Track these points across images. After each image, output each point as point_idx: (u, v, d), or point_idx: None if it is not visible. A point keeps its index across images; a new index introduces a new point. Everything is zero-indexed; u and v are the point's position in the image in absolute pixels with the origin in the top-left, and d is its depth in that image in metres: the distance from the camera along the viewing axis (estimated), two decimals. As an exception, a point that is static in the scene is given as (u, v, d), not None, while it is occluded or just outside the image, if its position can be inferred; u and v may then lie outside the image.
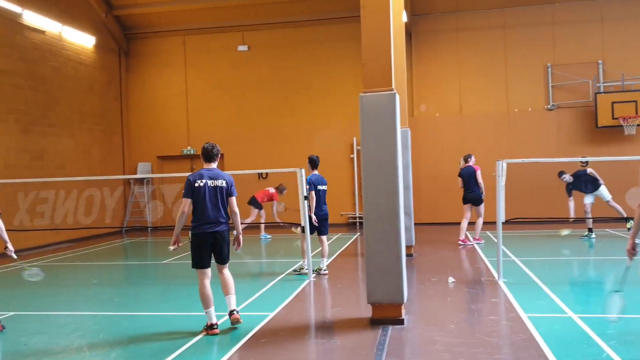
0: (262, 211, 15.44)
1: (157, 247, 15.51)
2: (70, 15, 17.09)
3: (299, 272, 9.83)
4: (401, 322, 6.35)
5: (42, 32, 15.85)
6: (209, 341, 6.04)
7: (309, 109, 18.89)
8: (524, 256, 10.83)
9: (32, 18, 15.33)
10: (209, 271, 6.48)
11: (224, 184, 6.54)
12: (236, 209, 6.62)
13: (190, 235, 6.47)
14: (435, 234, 15.35)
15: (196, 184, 6.40)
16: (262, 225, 15.56)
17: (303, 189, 9.43)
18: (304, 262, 9.77)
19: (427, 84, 18.41)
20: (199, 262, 6.44)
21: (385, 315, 6.39)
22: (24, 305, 8.20)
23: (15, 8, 14.70)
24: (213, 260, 6.58)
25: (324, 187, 9.92)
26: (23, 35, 15.11)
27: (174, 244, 6.55)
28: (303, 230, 9.41)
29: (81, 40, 17.62)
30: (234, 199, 6.60)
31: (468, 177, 13.07)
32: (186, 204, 6.38)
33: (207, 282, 6.43)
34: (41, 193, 15.12)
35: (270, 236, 15.62)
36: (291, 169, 10.20)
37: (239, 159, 18.66)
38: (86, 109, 17.81)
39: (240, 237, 6.65)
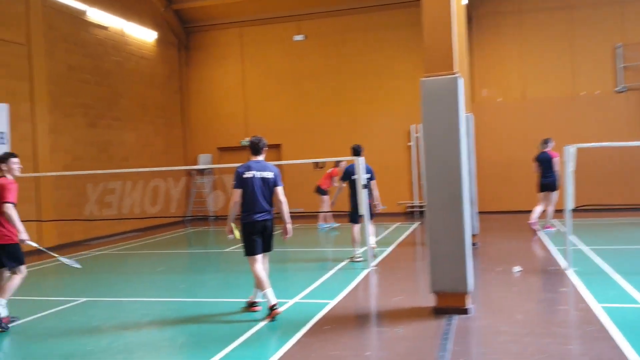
0: (326, 197, 15.14)
1: (219, 236, 15.80)
2: (132, 11, 17.54)
3: (352, 260, 9.90)
4: (466, 311, 6.22)
5: (106, 28, 16.34)
6: (272, 327, 6.10)
7: (365, 97, 18.74)
8: (594, 245, 10.42)
9: (96, 15, 15.82)
10: (260, 257, 6.66)
11: (271, 175, 6.72)
12: (283, 198, 6.80)
13: (241, 224, 6.65)
14: (499, 223, 14.99)
15: (245, 176, 6.60)
16: (323, 214, 15.38)
17: (362, 177, 9.39)
18: (356, 250, 9.91)
19: (489, 68, 17.94)
20: (252, 250, 6.63)
21: (450, 304, 6.28)
22: (95, 292, 8.50)
23: (80, 6, 15.20)
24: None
25: (368, 176, 9.76)
26: (88, 32, 15.62)
27: (230, 232, 6.78)
28: (355, 221, 9.69)
29: (142, 35, 18.07)
30: (280, 189, 6.80)
31: (544, 163, 12.60)
32: (237, 195, 6.60)
33: (260, 267, 6.61)
34: (109, 184, 15.66)
35: (336, 224, 15.36)
36: (348, 158, 10.16)
37: (295, 148, 18.74)
38: (148, 102, 18.29)
39: (289, 226, 6.80)
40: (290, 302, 7.17)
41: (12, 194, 6.53)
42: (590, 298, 6.67)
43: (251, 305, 6.86)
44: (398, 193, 18.34)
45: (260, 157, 6.85)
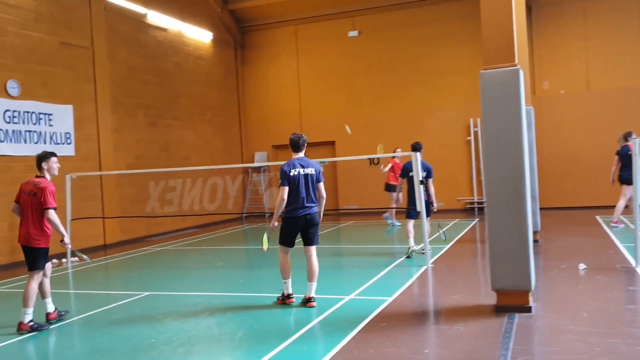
0: (394, 194, 13.59)
1: (275, 233, 15.94)
2: (189, 12, 17.91)
3: (408, 256, 9.90)
4: (528, 309, 6.05)
5: (164, 30, 16.75)
6: (330, 323, 6.11)
7: (421, 92, 18.51)
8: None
9: (155, 17, 16.24)
10: (291, 249, 7.10)
11: (313, 172, 6.98)
12: (324, 194, 7.12)
13: (283, 218, 7.00)
14: (561, 219, 14.53)
15: (291, 173, 6.85)
16: (393, 211, 14.81)
17: (419, 174, 9.30)
18: (411, 245, 9.98)
19: (550, 60, 17.38)
20: (288, 241, 7.04)
21: (511, 302, 6.12)
22: (157, 286, 8.74)
23: (140, 9, 15.64)
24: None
25: (424, 173, 9.75)
26: (148, 34, 16.05)
27: (273, 228, 7.16)
28: (411, 216, 9.70)
29: (199, 36, 18.42)
30: (321, 185, 7.08)
31: (623, 157, 12.14)
32: (284, 192, 6.81)
33: (288, 257, 7.08)
34: (169, 182, 16.08)
35: (397, 223, 14.85)
36: (406, 153, 10.07)
37: (350, 145, 18.69)
38: (206, 102, 18.65)
39: (320, 219, 7.12)
40: (347, 298, 7.17)
41: (53, 198, 6.53)
42: (662, 297, 6.39)
43: (286, 298, 7.09)
44: (457, 189, 18.04)
45: (302, 154, 7.09)
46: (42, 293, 6.78)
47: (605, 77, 16.86)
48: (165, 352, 5.45)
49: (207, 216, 17.18)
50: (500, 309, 6.15)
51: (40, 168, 6.73)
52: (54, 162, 6.77)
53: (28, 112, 12.09)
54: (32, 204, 6.54)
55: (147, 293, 8.19)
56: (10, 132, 11.67)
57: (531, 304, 6.13)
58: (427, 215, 9.68)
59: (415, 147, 9.70)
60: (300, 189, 6.82)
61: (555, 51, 17.34)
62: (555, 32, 17.34)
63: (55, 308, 6.88)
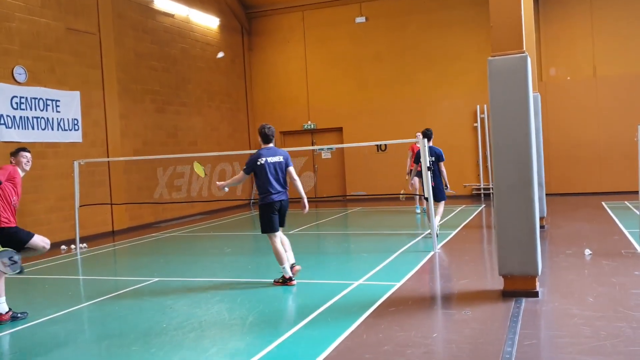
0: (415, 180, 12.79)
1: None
2: (196, -2, 17.90)
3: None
4: (535, 294, 6.12)
5: (171, 15, 16.73)
6: (340, 308, 6.19)
7: (429, 79, 18.48)
8: (670, 228, 9.98)
9: (162, 3, 16.22)
10: (279, 233, 7.48)
11: (282, 159, 7.47)
12: (296, 176, 7.60)
13: (259, 206, 7.47)
14: (567, 205, 14.56)
15: (258, 163, 7.34)
16: (417, 198, 13.99)
17: (426, 160, 9.34)
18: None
19: (557, 46, 17.31)
20: (271, 227, 7.43)
21: (518, 287, 6.18)
22: (167, 272, 8.84)
23: (147, -5, 15.65)
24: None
25: (432, 159, 10.09)
26: (155, 19, 16.05)
27: (222, 187, 7.68)
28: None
29: (206, 21, 18.40)
30: (291, 169, 7.57)
31: None
32: (243, 176, 7.59)
33: (279, 242, 7.45)
34: (177, 168, 16.16)
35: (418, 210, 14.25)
36: (413, 140, 10.11)
37: (358, 131, 18.72)
38: (213, 88, 18.67)
39: (305, 200, 7.60)
40: (355, 283, 7.25)
41: (2, 176, 6.29)
42: (668, 283, 6.44)
43: (287, 280, 7.39)
44: (464, 175, 18.07)
45: (271, 145, 7.56)
46: None
47: (612, 64, 16.79)
48: (176, 337, 5.54)
49: (215, 202, 17.28)
50: (507, 294, 6.22)
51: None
52: (22, 157, 6.62)
53: (35, 98, 12.16)
54: None
55: (156, 279, 8.29)
56: (17, 119, 11.74)
57: (538, 288, 6.19)
58: (438, 199, 10.10)
59: (426, 134, 9.88)
60: (270, 177, 7.33)
61: (562, 37, 17.26)
62: (562, 18, 17.25)
63: (10, 309, 6.38)
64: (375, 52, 19.08)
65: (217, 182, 7.83)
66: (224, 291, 7.37)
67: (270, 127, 7.56)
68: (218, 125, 18.83)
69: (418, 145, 13.51)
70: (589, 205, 14.23)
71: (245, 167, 7.44)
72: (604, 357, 4.38)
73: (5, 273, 6.19)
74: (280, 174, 7.43)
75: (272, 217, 7.39)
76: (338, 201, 18.71)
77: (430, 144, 10.14)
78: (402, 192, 11.16)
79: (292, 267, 7.43)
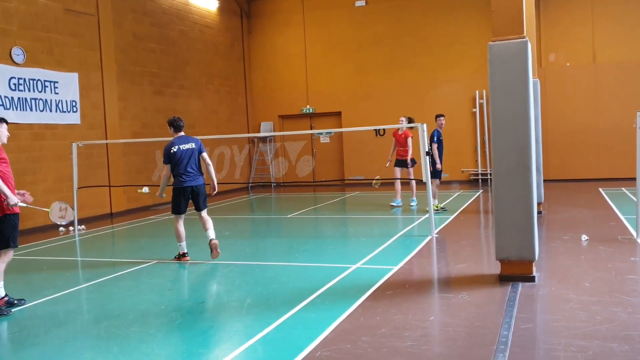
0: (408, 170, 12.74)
1: (281, 203, 16.08)
2: (195, -21, 17.75)
3: (438, 210, 11.53)
4: (532, 279, 6.17)
5: (171, -3, 16.62)
6: (338, 290, 6.23)
7: (428, 63, 18.42)
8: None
9: (161, -16, 16.10)
10: (183, 216, 8.19)
11: (194, 146, 8.06)
12: (209, 161, 8.23)
13: (172, 189, 8.08)
14: (564, 191, 14.60)
15: (172, 151, 7.90)
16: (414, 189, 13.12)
17: (425, 144, 9.33)
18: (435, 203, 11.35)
19: (557, 32, 17.25)
20: (178, 210, 8.12)
21: (515, 272, 6.23)
22: (165, 254, 8.86)
23: (146, -24, 15.50)
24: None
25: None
26: (153, 1, 15.93)
27: (160, 195, 8.19)
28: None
29: (205, 4, 18.28)
30: (204, 154, 8.16)
31: None
32: (167, 169, 8.01)
33: (182, 223, 8.18)
34: (175, 151, 16.10)
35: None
36: (412, 125, 10.10)
37: (357, 116, 18.69)
38: (212, 71, 18.59)
39: (215, 182, 8.31)
40: (353, 267, 7.29)
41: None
42: (663, 268, 6.49)
43: (181, 256, 8.20)
44: (462, 160, 18.09)
45: (182, 133, 8.15)
46: None
47: (611, 51, 16.75)
48: (175, 318, 5.58)
49: (213, 185, 17.25)
50: (504, 278, 6.26)
51: None
52: (3, 128, 6.19)
53: (33, 79, 12.11)
54: None
55: (155, 261, 8.32)
56: (15, 100, 11.70)
57: (534, 273, 6.24)
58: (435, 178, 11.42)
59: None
60: (182, 163, 7.89)
61: (562, 23, 17.19)
62: (562, 4, 17.17)
63: (6, 294, 6.23)
64: (374, 36, 18.99)
65: (157, 195, 8.29)
66: (222, 274, 7.41)
67: (180, 119, 8.21)
68: (217, 109, 18.78)
69: (400, 133, 13.04)
70: (586, 191, 14.28)
71: (163, 159, 7.97)
72: (600, 341, 4.42)
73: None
74: (193, 160, 7.99)
75: (180, 200, 8.02)
76: (336, 185, 18.73)
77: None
78: (377, 177, 11.34)
79: (210, 241, 7.96)
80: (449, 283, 6.51)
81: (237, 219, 13.14)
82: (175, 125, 8.14)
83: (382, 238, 9.17)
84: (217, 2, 18.80)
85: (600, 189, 14.33)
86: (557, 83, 17.07)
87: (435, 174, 11.52)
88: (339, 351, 4.48)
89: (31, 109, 12.04)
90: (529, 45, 6.13)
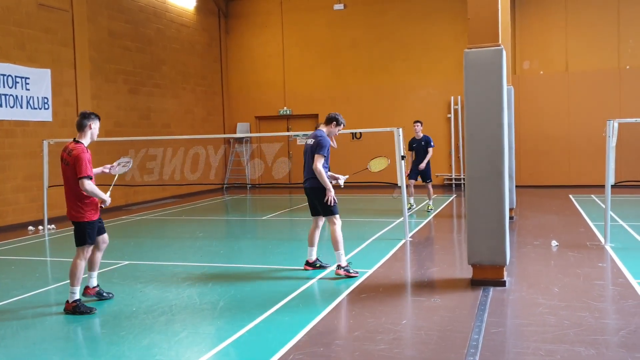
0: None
1: (256, 204, 16.04)
2: (173, -22, 17.61)
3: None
4: (503, 283, 6.25)
5: (147, -5, 16.46)
6: (312, 294, 6.24)
7: (405, 67, 18.55)
8: (634, 221, 10.26)
9: (138, -18, 15.94)
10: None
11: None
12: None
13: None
14: (536, 197, 14.83)
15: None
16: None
17: (400, 148, 9.37)
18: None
19: (531, 40, 17.52)
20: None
21: (486, 276, 6.31)
22: (137, 255, 8.78)
23: (122, -27, 15.33)
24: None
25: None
26: (130, -1, 15.77)
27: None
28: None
29: (183, 2, 18.15)
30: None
31: None
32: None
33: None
34: (150, 150, 15.96)
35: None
36: (388, 129, 10.14)
37: (333, 118, 18.68)
38: (189, 70, 18.45)
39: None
40: (328, 269, 7.29)
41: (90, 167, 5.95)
42: (629, 273, 6.63)
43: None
44: (436, 165, 18.14)
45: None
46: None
47: (584, 59, 17.08)
48: (146, 320, 5.52)
49: (188, 186, 17.15)
50: (475, 283, 6.34)
51: None
52: None
53: (4, 75, 11.88)
54: None
55: (126, 262, 8.22)
56: (-13, 96, 11.47)
57: (505, 278, 6.33)
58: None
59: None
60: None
61: (536, 32, 17.47)
62: (537, 13, 17.46)
63: (97, 285, 6.35)
64: (352, 40, 19.06)
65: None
66: (195, 275, 7.35)
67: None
68: (192, 108, 18.65)
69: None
70: (557, 197, 14.52)
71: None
72: (568, 345, 4.50)
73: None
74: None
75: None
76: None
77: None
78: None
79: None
80: (422, 287, 6.56)
81: (212, 220, 13.06)
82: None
83: (356, 241, 9.20)
84: (195, 1, 18.68)
85: (570, 196, 14.59)
86: (530, 91, 17.34)
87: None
88: (311, 354, 4.48)
89: (1, 105, 11.81)
90: (504, 53, 6.22)
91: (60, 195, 12.63)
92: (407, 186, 11.41)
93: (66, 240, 10.48)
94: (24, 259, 8.93)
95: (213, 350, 4.65)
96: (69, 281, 5.94)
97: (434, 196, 13.00)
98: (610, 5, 16.68)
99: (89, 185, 5.88)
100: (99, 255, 6.37)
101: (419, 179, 12.48)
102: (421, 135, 12.55)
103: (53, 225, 11.60)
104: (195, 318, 5.62)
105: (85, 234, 5.99)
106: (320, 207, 7.09)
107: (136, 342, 4.93)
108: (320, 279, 6.87)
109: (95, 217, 6.11)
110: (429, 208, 12.46)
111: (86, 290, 6.28)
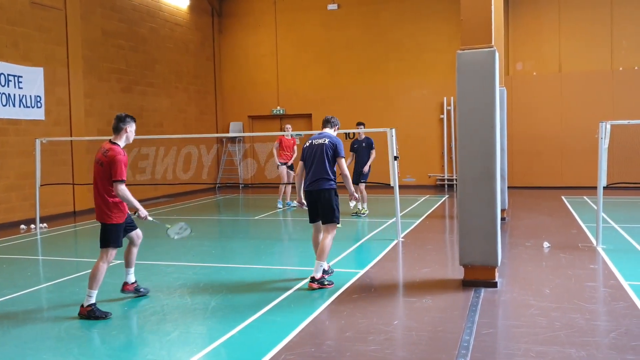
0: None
1: (249, 204, 16.01)
2: (167, -23, 17.56)
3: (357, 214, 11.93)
4: (494, 284, 6.27)
5: (141, -6, 16.41)
6: (303, 294, 6.23)
7: (399, 69, 18.57)
8: (625, 223, 10.31)
9: (131, -20, 15.88)
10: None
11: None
12: None
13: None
14: (528, 198, 14.87)
15: None
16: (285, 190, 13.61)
17: (393, 149, 9.40)
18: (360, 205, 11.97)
19: (524, 41, 17.57)
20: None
21: (478, 277, 6.33)
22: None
23: (116, -29, 15.27)
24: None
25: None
26: (123, -3, 15.71)
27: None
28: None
29: (176, 1, 18.10)
30: None
31: None
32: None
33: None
34: (142, 149, 15.92)
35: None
36: (381, 129, 10.17)
37: (327, 118, 18.68)
38: (182, 69, 18.41)
39: None
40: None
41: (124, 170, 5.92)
42: (620, 275, 6.66)
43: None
44: (428, 166, 18.26)
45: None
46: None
47: (577, 61, 17.15)
48: (137, 320, 5.51)
49: (180, 185, 17.12)
50: (467, 284, 6.35)
51: None
52: None
53: (-3, 73, 11.82)
54: None
55: (118, 262, 8.14)
56: (-22, 94, 11.40)
57: (497, 279, 6.35)
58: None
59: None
60: None
61: (529, 33, 17.53)
62: (530, 14, 17.51)
63: (135, 281, 6.38)
64: (347, 40, 19.07)
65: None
66: (186, 275, 7.33)
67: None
68: (185, 107, 18.60)
69: (288, 138, 13.82)
70: (549, 199, 14.57)
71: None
72: (559, 347, 4.52)
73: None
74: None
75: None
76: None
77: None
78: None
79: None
80: (414, 287, 6.56)
81: (204, 219, 13.03)
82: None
83: (348, 242, 9.20)
84: (188, 0, 18.64)
85: (562, 197, 14.65)
86: (523, 92, 17.40)
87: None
88: (303, 355, 4.48)
89: (-7, 103, 11.76)
90: (497, 54, 6.24)
91: (53, 194, 12.66)
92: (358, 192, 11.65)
93: (58, 239, 10.44)
94: (16, 257, 8.89)
95: (204, 350, 4.64)
96: (87, 283, 5.74)
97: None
98: (603, 7, 16.75)
99: (123, 190, 5.82)
100: (134, 251, 6.40)
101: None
102: (363, 136, 12.46)
103: (45, 224, 11.55)
104: (187, 318, 5.61)
105: (110, 237, 5.90)
106: (324, 211, 6.63)
107: (127, 341, 4.92)
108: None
109: (122, 220, 6.02)
110: (363, 211, 12.04)
111: (125, 287, 6.30)
